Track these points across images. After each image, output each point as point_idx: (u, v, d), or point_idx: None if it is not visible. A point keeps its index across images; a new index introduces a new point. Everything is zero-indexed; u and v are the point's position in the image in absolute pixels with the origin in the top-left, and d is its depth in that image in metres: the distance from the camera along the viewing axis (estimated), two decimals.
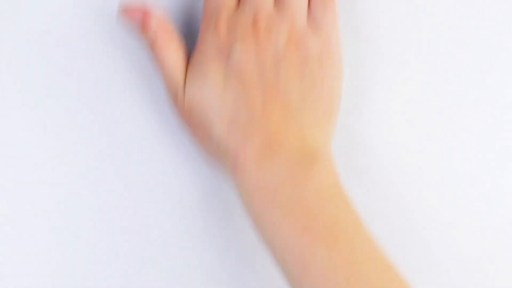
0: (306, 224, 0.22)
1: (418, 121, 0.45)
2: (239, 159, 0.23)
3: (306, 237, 0.22)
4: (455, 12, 0.47)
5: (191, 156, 0.36)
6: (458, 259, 0.46)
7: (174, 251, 0.48)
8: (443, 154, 0.48)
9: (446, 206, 0.45)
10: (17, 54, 0.40)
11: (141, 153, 0.39)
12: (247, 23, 0.24)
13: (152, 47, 0.25)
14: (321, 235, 0.22)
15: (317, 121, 0.24)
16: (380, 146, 0.39)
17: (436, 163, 0.46)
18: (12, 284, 0.46)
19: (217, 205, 0.46)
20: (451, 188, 0.45)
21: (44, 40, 0.37)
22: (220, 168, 0.26)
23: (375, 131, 0.38)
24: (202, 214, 0.43)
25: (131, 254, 0.46)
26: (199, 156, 0.32)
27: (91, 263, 0.51)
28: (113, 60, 0.34)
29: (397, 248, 0.38)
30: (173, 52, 0.24)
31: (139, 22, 0.24)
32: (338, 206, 0.23)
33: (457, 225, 0.47)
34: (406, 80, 0.43)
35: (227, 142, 0.23)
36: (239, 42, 0.23)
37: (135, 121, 0.38)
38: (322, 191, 0.23)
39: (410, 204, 0.43)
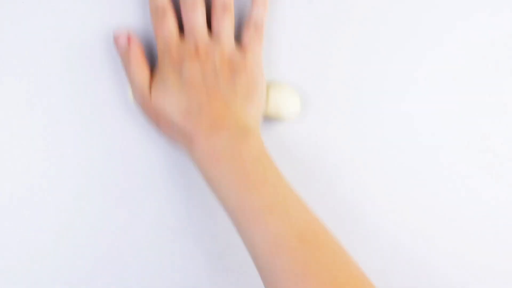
0: (242, 178, 0.32)
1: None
2: (193, 136, 0.33)
3: (242, 187, 0.31)
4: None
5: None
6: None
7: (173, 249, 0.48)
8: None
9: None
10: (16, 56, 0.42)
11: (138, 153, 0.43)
12: (191, 49, 0.35)
13: (127, 65, 0.35)
14: (253, 185, 0.31)
15: (247, 109, 0.35)
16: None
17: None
18: (12, 281, 0.48)
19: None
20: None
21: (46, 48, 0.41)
22: (180, 147, 0.36)
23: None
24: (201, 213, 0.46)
25: (130, 253, 0.47)
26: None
27: (91, 261, 0.52)
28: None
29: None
30: (142, 69, 0.35)
31: (123, 47, 0.35)
32: (265, 165, 0.33)
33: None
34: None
35: (184, 126, 0.33)
36: (186, 61, 0.34)
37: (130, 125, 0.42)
38: (253, 153, 0.33)
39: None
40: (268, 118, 0.40)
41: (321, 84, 0.46)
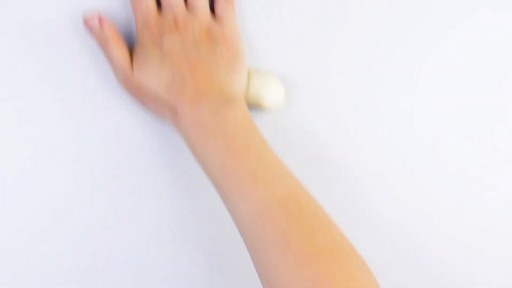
0: (226, 144, 0.32)
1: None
2: (178, 108, 0.33)
3: (226, 153, 0.32)
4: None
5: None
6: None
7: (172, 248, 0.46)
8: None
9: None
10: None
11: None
12: (170, 22, 0.35)
13: (104, 47, 0.35)
14: (238, 150, 0.32)
15: (230, 77, 0.35)
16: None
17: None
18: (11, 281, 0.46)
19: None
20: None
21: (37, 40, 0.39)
22: (165, 119, 0.36)
23: None
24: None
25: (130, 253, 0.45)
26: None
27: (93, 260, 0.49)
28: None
29: None
30: (120, 48, 0.35)
31: (96, 29, 0.35)
32: (249, 131, 0.33)
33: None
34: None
35: (168, 99, 0.34)
36: (166, 34, 0.34)
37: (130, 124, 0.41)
38: (237, 121, 0.33)
39: None
40: (250, 107, 0.38)
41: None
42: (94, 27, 0.35)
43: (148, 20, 0.35)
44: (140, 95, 0.35)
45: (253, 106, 0.38)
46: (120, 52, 0.35)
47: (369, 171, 0.49)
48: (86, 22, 0.35)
